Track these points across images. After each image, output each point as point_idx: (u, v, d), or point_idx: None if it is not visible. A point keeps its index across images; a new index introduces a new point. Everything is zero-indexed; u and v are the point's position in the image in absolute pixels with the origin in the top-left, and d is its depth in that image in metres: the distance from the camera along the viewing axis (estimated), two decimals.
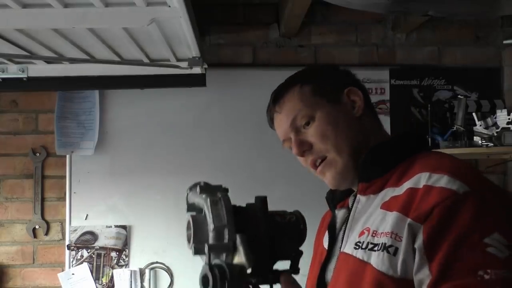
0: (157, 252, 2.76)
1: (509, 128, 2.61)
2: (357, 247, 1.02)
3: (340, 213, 1.16)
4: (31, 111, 2.85)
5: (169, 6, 1.70)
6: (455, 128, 2.70)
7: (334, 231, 1.15)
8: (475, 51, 2.96)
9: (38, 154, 2.83)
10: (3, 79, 2.40)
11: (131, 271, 2.72)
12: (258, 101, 2.99)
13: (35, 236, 2.80)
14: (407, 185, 1.01)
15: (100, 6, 1.69)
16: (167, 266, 2.76)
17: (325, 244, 1.16)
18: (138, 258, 2.76)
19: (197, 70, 2.38)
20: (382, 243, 0.97)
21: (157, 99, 2.78)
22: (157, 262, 2.76)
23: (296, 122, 1.12)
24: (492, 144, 2.62)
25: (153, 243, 2.76)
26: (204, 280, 0.83)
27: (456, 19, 2.90)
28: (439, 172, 0.97)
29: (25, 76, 2.39)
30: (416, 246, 0.93)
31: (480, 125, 2.66)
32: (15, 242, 2.80)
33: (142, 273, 2.75)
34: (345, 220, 1.12)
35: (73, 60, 2.33)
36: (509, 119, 2.62)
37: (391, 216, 0.98)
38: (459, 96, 2.77)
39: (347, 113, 1.13)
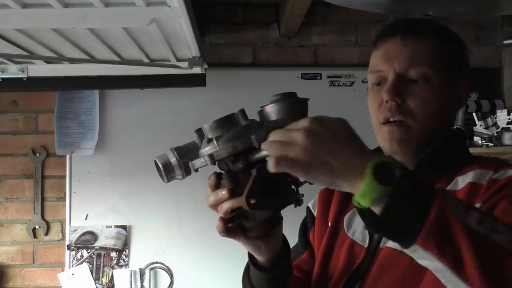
0: (157, 252, 2.76)
1: (509, 128, 2.62)
2: None
3: None
4: (31, 111, 2.85)
5: (169, 6, 1.69)
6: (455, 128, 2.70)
7: None
8: (475, 51, 2.94)
9: (38, 154, 2.83)
10: (3, 79, 2.40)
11: (131, 271, 2.72)
12: (258, 101, 3.01)
13: (35, 236, 2.80)
14: (463, 179, 0.99)
15: (100, 6, 1.69)
16: (167, 266, 2.76)
17: (350, 234, 1.09)
18: (138, 258, 2.76)
19: (197, 70, 2.38)
20: None
21: (157, 99, 2.78)
22: (157, 262, 2.76)
23: (411, 69, 1.04)
24: (492, 144, 2.63)
25: (153, 243, 2.76)
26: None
27: (456, 19, 2.90)
28: (502, 169, 0.97)
29: (25, 76, 2.39)
30: None
31: (480, 125, 2.67)
32: (15, 242, 2.80)
33: (142, 273, 2.75)
34: None
35: (73, 60, 2.33)
36: (509, 119, 2.63)
37: None
38: None
39: (451, 100, 1.08)
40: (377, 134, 1.08)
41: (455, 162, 1.06)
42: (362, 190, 0.72)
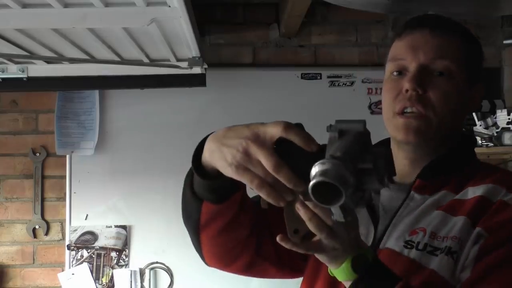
0: (157, 252, 2.76)
1: (509, 128, 2.62)
2: (409, 247, 0.98)
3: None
4: (31, 111, 2.85)
5: (169, 6, 1.70)
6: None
7: (376, 220, 1.06)
8: None
9: (38, 154, 2.83)
10: (3, 79, 2.40)
11: (131, 271, 2.72)
12: (258, 101, 3.01)
13: (35, 236, 2.80)
14: (474, 191, 0.99)
15: (100, 6, 1.69)
16: (167, 266, 2.76)
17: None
18: (138, 258, 2.76)
19: (197, 70, 2.38)
20: (446, 246, 0.95)
21: (157, 99, 2.78)
22: (157, 262, 2.76)
23: (437, 61, 1.03)
24: (492, 144, 2.63)
25: (153, 243, 2.76)
26: None
27: (456, 19, 2.90)
28: None
29: (25, 76, 2.39)
30: (472, 249, 0.93)
31: (480, 125, 2.66)
32: (15, 242, 2.80)
33: (142, 273, 2.75)
34: (393, 212, 1.05)
35: (73, 60, 2.33)
36: (509, 119, 2.62)
37: (458, 221, 0.96)
38: None
39: (467, 102, 1.07)
40: (389, 124, 1.06)
41: (463, 167, 1.06)
42: (338, 269, 0.87)
